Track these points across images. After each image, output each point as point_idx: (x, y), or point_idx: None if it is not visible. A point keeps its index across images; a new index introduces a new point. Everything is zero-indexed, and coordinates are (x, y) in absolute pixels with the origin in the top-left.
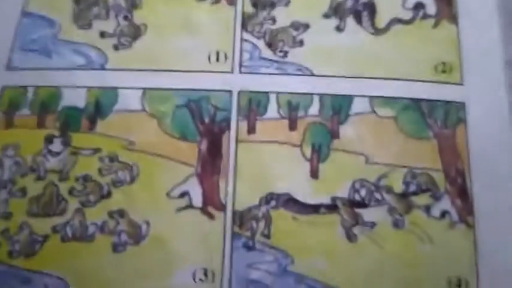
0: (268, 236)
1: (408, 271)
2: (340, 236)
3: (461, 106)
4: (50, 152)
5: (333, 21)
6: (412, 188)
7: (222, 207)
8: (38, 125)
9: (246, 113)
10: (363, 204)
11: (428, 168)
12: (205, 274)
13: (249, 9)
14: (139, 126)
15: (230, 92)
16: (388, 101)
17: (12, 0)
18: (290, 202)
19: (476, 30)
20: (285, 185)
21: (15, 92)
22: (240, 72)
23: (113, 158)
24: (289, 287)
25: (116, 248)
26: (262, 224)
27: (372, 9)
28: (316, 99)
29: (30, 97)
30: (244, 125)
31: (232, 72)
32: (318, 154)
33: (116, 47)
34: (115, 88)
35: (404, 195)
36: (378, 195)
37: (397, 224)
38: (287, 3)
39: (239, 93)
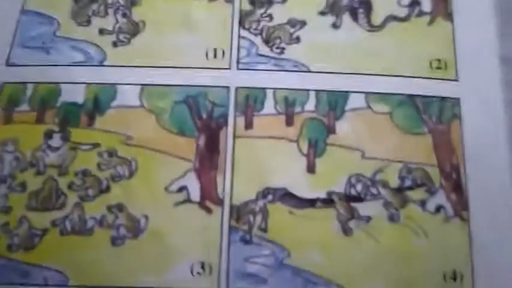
0: (265, 230)
1: (403, 265)
2: (336, 229)
3: (456, 102)
4: (49, 147)
5: (329, 19)
6: (408, 182)
7: (220, 202)
8: (37, 121)
9: (243, 108)
10: (358, 199)
11: (423, 163)
12: (203, 268)
13: (247, 6)
14: (138, 121)
15: (227, 88)
16: (384, 97)
17: None
18: (287, 196)
19: (472, 27)
20: (281, 180)
21: (15, 88)
22: (238, 68)
23: (111, 153)
24: (285, 280)
25: (115, 241)
26: (259, 218)
27: (367, 7)
28: (312, 95)
29: (30, 93)
30: (241, 121)
31: (229, 68)
32: (315, 149)
33: (114, 44)
34: (113, 84)
35: (399, 190)
36: (373, 190)
37: (392, 218)
38: (284, 1)
39: (236, 89)
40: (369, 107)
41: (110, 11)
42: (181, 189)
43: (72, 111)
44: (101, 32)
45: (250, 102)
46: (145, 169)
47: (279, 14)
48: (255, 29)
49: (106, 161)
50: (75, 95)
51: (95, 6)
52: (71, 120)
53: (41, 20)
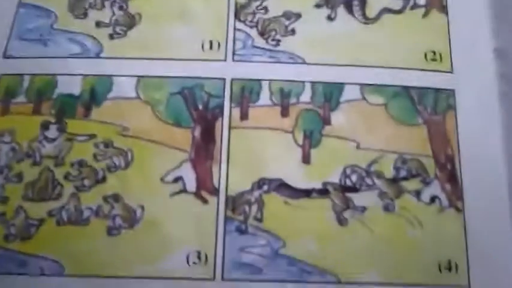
0: (260, 220)
1: (398, 255)
2: (332, 220)
3: (450, 93)
4: (45, 138)
5: (325, 11)
6: (403, 173)
7: (215, 192)
8: (33, 112)
9: (239, 100)
10: (354, 189)
11: (418, 154)
12: (199, 257)
13: None
14: (134, 113)
15: (223, 79)
16: (379, 88)
17: None
18: (282, 187)
19: (466, 20)
20: (277, 171)
21: (12, 80)
22: (233, 60)
23: (107, 144)
24: (281, 270)
25: (111, 231)
26: (254, 208)
27: None
28: (308, 86)
29: (26, 85)
30: (237, 112)
31: (225, 60)
32: (310, 140)
33: (111, 36)
34: (110, 76)
35: (394, 180)
36: (368, 181)
37: (387, 209)
38: None
39: (232, 80)
40: (364, 98)
41: (107, 3)
42: (177, 179)
43: (69, 103)
44: (98, 24)
45: (246, 93)
46: (141, 160)
47: (274, 6)
48: (251, 21)
49: (102, 151)
50: (72, 86)
51: None
52: (67, 111)
53: (38, 13)
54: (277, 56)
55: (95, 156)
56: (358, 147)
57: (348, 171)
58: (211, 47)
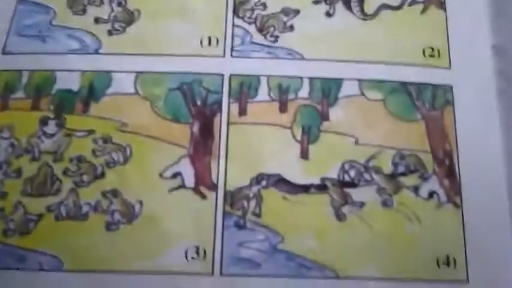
0: (259, 215)
1: (397, 250)
2: (330, 215)
3: (448, 89)
4: (44, 133)
5: (323, 7)
6: (401, 168)
7: (214, 187)
8: (32, 108)
9: (237, 95)
10: (352, 185)
11: (416, 150)
12: (197, 252)
13: None
14: (133, 108)
15: (222, 75)
16: (377, 84)
17: None
18: (280, 182)
19: (464, 16)
20: (275, 166)
21: (11, 75)
22: (232, 56)
23: (106, 140)
24: (279, 265)
25: (109, 226)
26: (253, 204)
27: None
28: (306, 82)
29: (25, 81)
30: (235, 108)
31: (224, 56)
32: (308, 136)
33: (110, 33)
34: (109, 72)
35: (393, 176)
36: (367, 176)
37: (386, 204)
38: None
39: (230, 76)
40: (363, 94)
41: (106, 0)
42: (176, 175)
43: (67, 98)
44: (97, 20)
45: (244, 89)
46: (140, 155)
47: (273, 2)
48: (249, 17)
49: (101, 147)
50: (71, 82)
51: None
52: (66, 107)
53: (37, 9)
54: (275, 52)
55: (93, 151)
56: (356, 142)
57: (347, 166)
58: (209, 43)
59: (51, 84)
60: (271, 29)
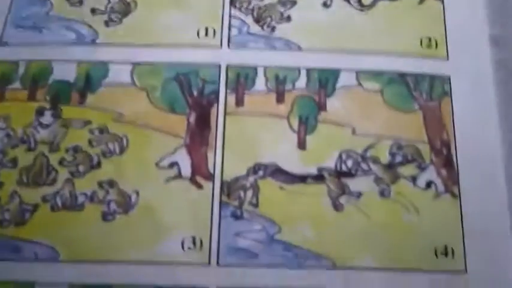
0: (256, 205)
1: (394, 240)
2: (327, 205)
3: (446, 79)
4: (40, 124)
5: None
6: (398, 158)
7: (211, 177)
8: (28, 98)
9: (234, 86)
10: (349, 175)
11: (414, 140)
12: (194, 243)
13: None
14: (129, 99)
15: (218, 66)
16: (374, 74)
17: None
18: (277, 172)
19: (462, 6)
20: (272, 156)
21: (7, 66)
22: (229, 47)
23: (102, 130)
24: (276, 255)
25: (105, 217)
26: (250, 194)
27: None
28: (303, 73)
29: (22, 71)
30: (232, 98)
31: (220, 47)
32: (305, 126)
33: (106, 23)
34: (105, 62)
35: (390, 166)
36: (364, 166)
37: (383, 194)
38: None
39: (227, 67)
40: (360, 84)
41: None
42: (172, 165)
43: (64, 89)
44: (93, 11)
45: (241, 79)
46: (136, 145)
47: None
48: (246, 8)
49: (97, 137)
50: (67, 73)
51: None
52: (62, 97)
53: (34, 0)
54: (272, 43)
55: (90, 142)
56: (353, 133)
57: (344, 156)
58: (206, 34)
59: (47, 75)
60: (268, 19)
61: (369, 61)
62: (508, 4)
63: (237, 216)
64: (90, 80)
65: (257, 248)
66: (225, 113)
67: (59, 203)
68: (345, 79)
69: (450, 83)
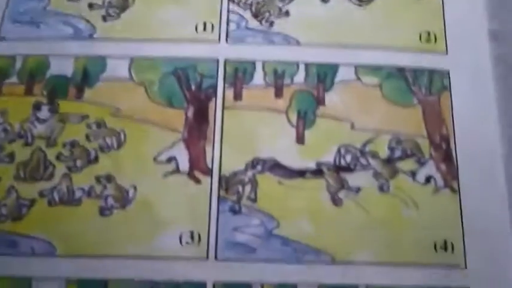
0: (254, 200)
1: (394, 235)
2: (326, 200)
3: (445, 74)
4: (37, 119)
5: None
6: (397, 153)
7: (209, 172)
8: (25, 93)
9: (232, 80)
10: (348, 169)
11: (413, 134)
12: (192, 237)
13: None
14: (127, 94)
15: (217, 60)
16: (373, 69)
17: None
18: (276, 167)
19: (461, 1)
20: (271, 151)
21: (4, 61)
22: (227, 42)
23: (100, 124)
24: (275, 250)
25: (103, 211)
26: (248, 188)
27: None
28: (302, 67)
29: (19, 66)
30: (230, 93)
31: (219, 41)
32: (304, 120)
33: (104, 18)
34: (103, 57)
35: (389, 161)
36: (363, 161)
37: (382, 189)
38: None
39: (225, 61)
40: (359, 79)
41: None
42: (170, 159)
43: (61, 84)
44: (91, 6)
45: (239, 74)
46: (134, 140)
47: None
48: (244, 3)
49: (94, 132)
50: (64, 67)
51: None
52: (59, 92)
53: None
54: (271, 38)
55: (87, 136)
56: (352, 127)
57: (343, 151)
58: (204, 29)
59: (44, 70)
60: (267, 14)
61: (367, 56)
62: None
63: (235, 211)
64: (87, 75)
65: (255, 242)
66: (223, 108)
67: (56, 198)
68: (344, 74)
69: (449, 78)
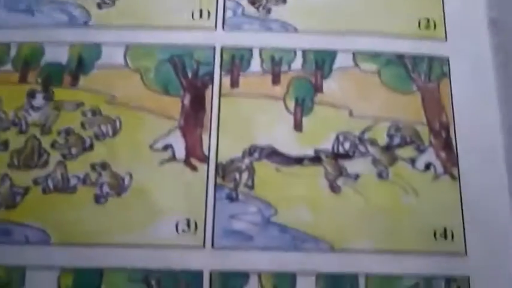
0: (251, 187)
1: (393, 222)
2: (324, 187)
3: (445, 60)
4: (32, 106)
5: None
6: (396, 140)
7: (205, 159)
8: (20, 81)
9: (229, 67)
10: (347, 156)
11: (412, 122)
12: (188, 225)
13: None
14: (122, 81)
15: (213, 47)
16: (372, 55)
17: None
18: (273, 154)
19: None
20: (268, 138)
21: None
22: (223, 29)
23: (95, 112)
24: (272, 237)
25: (98, 199)
26: (245, 176)
27: None
28: (299, 54)
29: (14, 54)
30: (227, 80)
31: (215, 29)
32: (302, 107)
33: (99, 6)
34: (98, 44)
35: (388, 148)
36: (362, 148)
37: (381, 176)
38: None
39: (222, 48)
40: (357, 65)
41: None
42: (167, 147)
43: (55, 71)
44: None
45: (236, 61)
46: (129, 128)
47: None
48: None
49: (90, 119)
50: (59, 55)
51: None
52: (54, 80)
53: None
54: (268, 25)
55: (82, 124)
56: (350, 114)
57: (341, 138)
58: (201, 16)
59: (39, 57)
60: (264, 1)
61: (366, 42)
62: None
63: (232, 199)
64: (82, 62)
65: (253, 230)
66: (220, 95)
67: (51, 185)
68: (342, 60)
69: (449, 64)
